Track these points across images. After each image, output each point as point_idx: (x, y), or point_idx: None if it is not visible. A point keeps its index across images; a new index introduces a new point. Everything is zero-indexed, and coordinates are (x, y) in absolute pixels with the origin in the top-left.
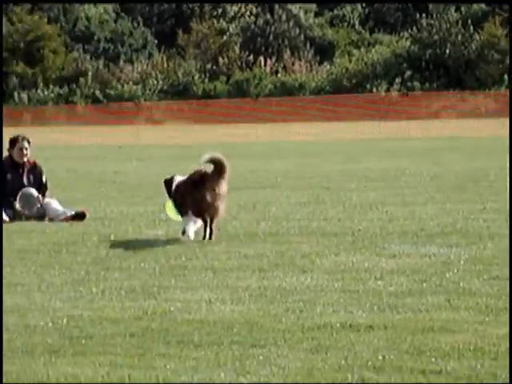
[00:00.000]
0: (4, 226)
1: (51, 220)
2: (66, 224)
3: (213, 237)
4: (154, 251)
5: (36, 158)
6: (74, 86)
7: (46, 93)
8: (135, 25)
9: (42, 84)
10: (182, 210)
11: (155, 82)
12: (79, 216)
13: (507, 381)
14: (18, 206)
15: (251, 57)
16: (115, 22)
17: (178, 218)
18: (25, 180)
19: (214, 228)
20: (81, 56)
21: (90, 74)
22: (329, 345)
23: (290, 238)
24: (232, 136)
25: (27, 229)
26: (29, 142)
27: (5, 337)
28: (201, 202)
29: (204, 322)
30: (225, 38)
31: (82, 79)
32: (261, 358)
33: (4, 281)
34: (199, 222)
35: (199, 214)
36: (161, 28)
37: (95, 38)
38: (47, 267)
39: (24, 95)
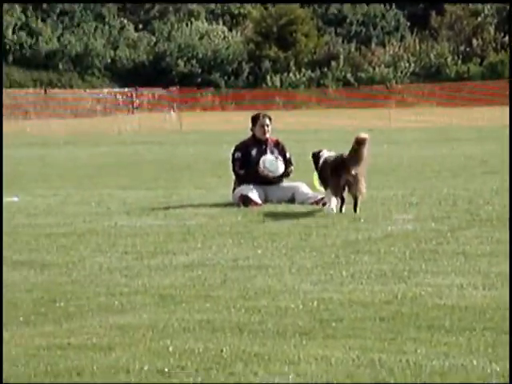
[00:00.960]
0: (254, 209)
1: (301, 203)
2: (316, 207)
3: (357, 210)
4: (404, 235)
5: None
6: (326, 69)
7: (298, 76)
8: (388, 7)
9: (294, 68)
10: (324, 184)
11: (407, 65)
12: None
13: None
14: (261, 167)
15: (506, 38)
16: (367, 4)
17: (322, 189)
18: (268, 155)
19: (358, 204)
20: (333, 39)
21: (341, 57)
22: None
23: None
24: (485, 119)
25: (278, 211)
26: (270, 119)
27: (256, 318)
28: (337, 187)
29: (455, 307)
30: (479, 19)
31: (333, 62)
32: None
33: (256, 263)
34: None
35: (337, 195)
36: (413, 10)
37: (347, 20)
38: (298, 250)
39: (276, 78)
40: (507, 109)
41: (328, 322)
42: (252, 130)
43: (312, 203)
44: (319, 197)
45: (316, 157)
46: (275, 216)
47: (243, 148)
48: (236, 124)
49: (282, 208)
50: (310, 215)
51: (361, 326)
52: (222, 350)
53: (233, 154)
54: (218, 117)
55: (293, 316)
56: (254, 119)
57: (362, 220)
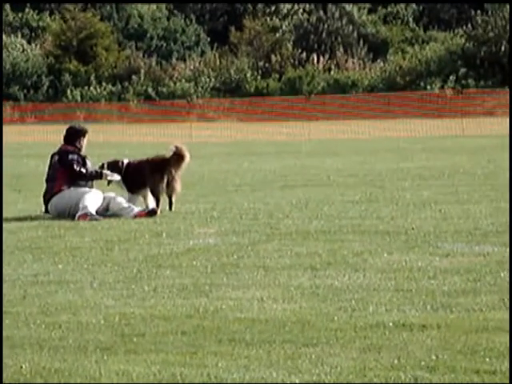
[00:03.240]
0: (55, 223)
1: (115, 215)
2: (118, 221)
3: (172, 208)
4: (205, 249)
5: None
6: (127, 83)
7: (98, 90)
8: (188, 22)
9: (94, 81)
10: (134, 187)
11: (207, 80)
12: (151, 213)
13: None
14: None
15: (304, 54)
16: (168, 19)
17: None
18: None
19: (173, 202)
20: (133, 53)
21: (142, 71)
22: (381, 344)
23: (343, 237)
24: (284, 134)
25: (79, 226)
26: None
27: (57, 334)
28: (159, 183)
29: (256, 320)
30: (277, 35)
31: (134, 77)
32: (313, 356)
33: (56, 278)
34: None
35: (155, 192)
36: (213, 25)
37: (148, 35)
38: (99, 265)
39: (77, 92)
40: (305, 124)
41: (130, 337)
42: (72, 141)
43: (133, 217)
44: (138, 210)
45: (115, 165)
46: (76, 230)
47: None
48: (35, 136)
49: (82, 223)
50: (112, 229)
51: (162, 341)
52: (21, 367)
53: (67, 157)
54: (17, 129)
55: (94, 331)
56: (80, 132)
57: (164, 234)
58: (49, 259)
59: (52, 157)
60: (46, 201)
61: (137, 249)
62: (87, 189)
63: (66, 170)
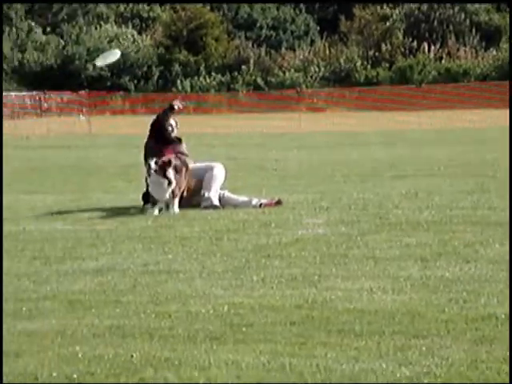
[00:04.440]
0: (165, 213)
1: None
2: (227, 211)
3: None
4: (314, 239)
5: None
6: (236, 73)
7: (208, 80)
8: (297, 11)
9: (204, 72)
10: None
11: (317, 69)
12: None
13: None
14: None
15: (415, 43)
16: (277, 8)
17: None
18: None
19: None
20: (243, 43)
21: (251, 61)
22: (493, 336)
23: (454, 227)
24: (394, 123)
25: (189, 216)
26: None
27: (167, 323)
28: None
29: (365, 311)
30: (388, 24)
31: (243, 67)
32: (423, 348)
33: (166, 268)
34: None
35: None
36: (323, 14)
37: (257, 25)
38: (208, 254)
39: (186, 82)
40: (415, 113)
41: (238, 327)
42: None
43: (263, 206)
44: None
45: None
46: (186, 220)
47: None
48: (146, 128)
49: (192, 212)
50: (222, 219)
51: (271, 331)
52: (132, 356)
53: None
54: (128, 120)
55: (203, 321)
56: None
57: (273, 225)
58: (158, 249)
59: None
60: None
61: (246, 239)
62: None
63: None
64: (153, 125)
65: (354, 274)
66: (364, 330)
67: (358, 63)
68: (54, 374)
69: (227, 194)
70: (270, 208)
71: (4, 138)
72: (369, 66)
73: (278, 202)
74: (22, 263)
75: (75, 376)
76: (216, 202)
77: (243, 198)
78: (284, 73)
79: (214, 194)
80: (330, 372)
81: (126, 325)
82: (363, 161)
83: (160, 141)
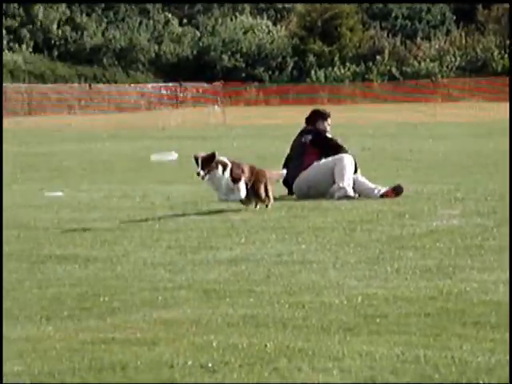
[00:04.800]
0: (298, 203)
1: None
2: (361, 202)
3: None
4: (449, 230)
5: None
6: (371, 63)
7: (342, 71)
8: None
9: (338, 62)
10: None
11: (453, 59)
12: (398, 190)
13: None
14: None
15: None
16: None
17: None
18: None
19: None
20: (378, 33)
21: (386, 51)
22: None
23: None
24: None
25: (322, 207)
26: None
27: (300, 314)
28: None
29: (501, 303)
30: None
31: (378, 57)
32: None
33: (299, 258)
34: None
35: None
36: (460, 4)
37: (392, 14)
38: (342, 245)
39: (321, 73)
40: None
41: (372, 318)
42: (313, 123)
43: (382, 195)
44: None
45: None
46: (319, 211)
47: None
48: (280, 118)
49: (325, 203)
50: (355, 210)
51: (405, 322)
52: (265, 345)
53: (320, 137)
54: (262, 111)
55: (337, 311)
56: (323, 115)
57: (407, 215)
58: (292, 239)
59: (300, 135)
60: (292, 178)
61: (379, 230)
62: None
63: (317, 150)
64: (316, 142)
65: (490, 266)
66: (500, 322)
67: (495, 52)
68: (189, 363)
69: (360, 177)
70: (401, 198)
71: (141, 128)
72: (506, 56)
73: (396, 190)
74: (158, 253)
75: (210, 365)
76: (350, 193)
77: (370, 186)
78: (419, 63)
79: (347, 184)
80: (465, 364)
81: (260, 314)
82: (500, 151)
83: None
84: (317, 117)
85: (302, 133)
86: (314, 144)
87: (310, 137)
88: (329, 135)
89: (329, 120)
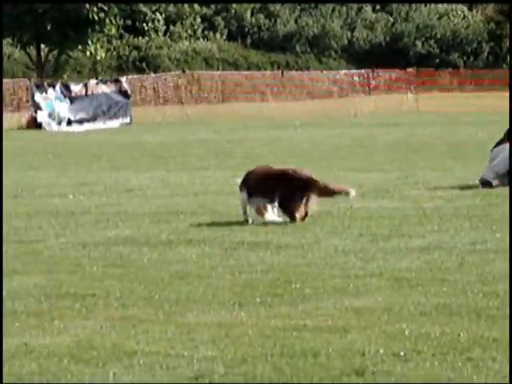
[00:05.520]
0: (494, 191)
1: None
2: None
3: None
4: None
5: None
6: None
7: None
8: None
9: None
10: None
11: None
12: None
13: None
14: None
15: None
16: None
17: None
18: None
19: None
20: None
21: None
22: None
23: None
24: None
25: None
26: None
27: (494, 303)
28: None
29: None
30: None
31: None
32: None
33: (494, 247)
34: None
35: None
36: None
37: None
38: None
39: None
40: None
41: None
42: None
43: None
44: None
45: None
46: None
47: None
48: (475, 107)
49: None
50: None
51: None
52: (459, 335)
53: None
54: (456, 99)
55: None
56: None
57: None
58: (486, 227)
59: None
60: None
61: None
62: None
63: None
64: None
65: None
66: None
67: None
68: (381, 351)
69: None
70: None
71: (333, 115)
72: None
73: None
74: (349, 240)
75: (402, 353)
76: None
77: None
78: None
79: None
80: None
81: (453, 303)
82: None
83: None
84: None
85: None
86: None
87: None
88: None
89: None
